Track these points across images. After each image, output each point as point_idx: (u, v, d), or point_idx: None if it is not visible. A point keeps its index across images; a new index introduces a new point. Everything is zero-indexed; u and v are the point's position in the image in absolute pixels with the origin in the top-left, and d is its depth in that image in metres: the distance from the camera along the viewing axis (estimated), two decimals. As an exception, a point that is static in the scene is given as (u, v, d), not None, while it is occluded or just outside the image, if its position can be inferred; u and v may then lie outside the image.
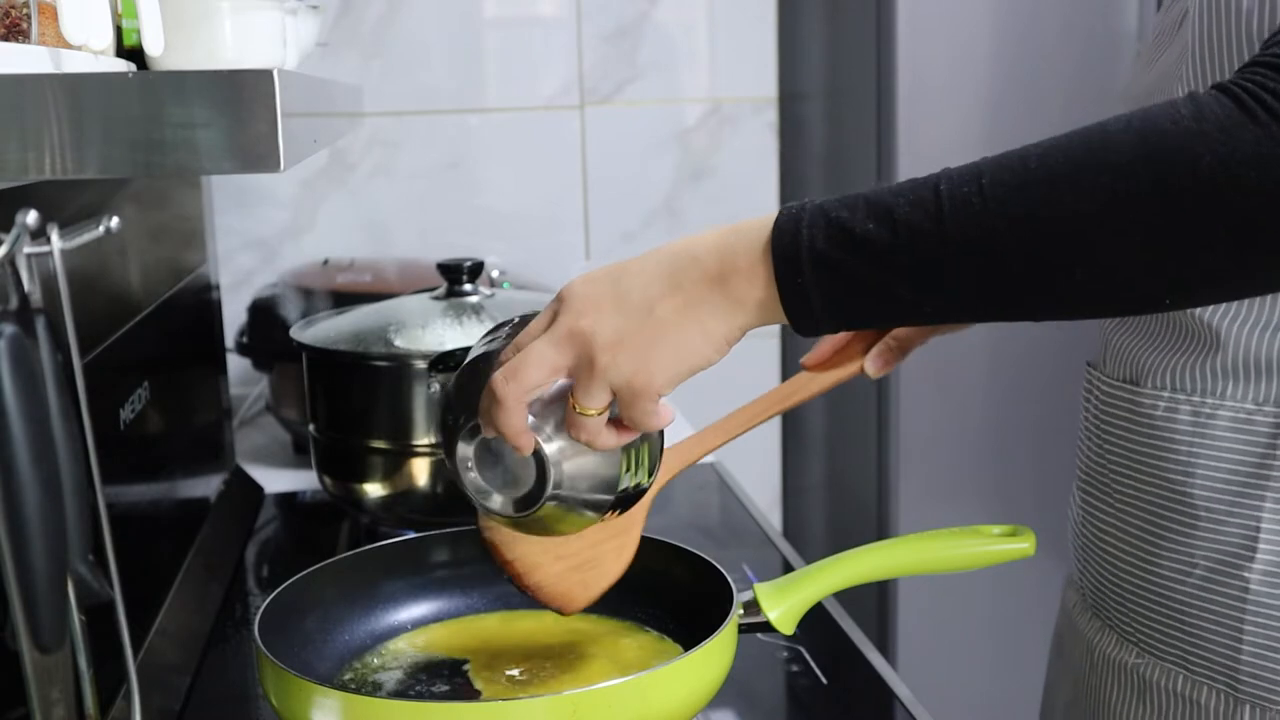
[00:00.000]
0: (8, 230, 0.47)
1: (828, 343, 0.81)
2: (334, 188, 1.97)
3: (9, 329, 0.46)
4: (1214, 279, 0.62)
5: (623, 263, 0.70)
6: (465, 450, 0.76)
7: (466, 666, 0.92)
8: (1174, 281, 0.62)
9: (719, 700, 0.86)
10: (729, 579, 0.90)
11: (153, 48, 0.73)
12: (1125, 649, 0.88)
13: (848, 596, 1.03)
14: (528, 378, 0.69)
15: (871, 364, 0.80)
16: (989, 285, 0.63)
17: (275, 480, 1.54)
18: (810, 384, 0.82)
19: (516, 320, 0.76)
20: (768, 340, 2.09)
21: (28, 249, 0.47)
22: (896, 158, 1.76)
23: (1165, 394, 0.82)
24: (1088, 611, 0.94)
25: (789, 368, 2.13)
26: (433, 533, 1.03)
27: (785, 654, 1.06)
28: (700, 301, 0.68)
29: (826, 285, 0.65)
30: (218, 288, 1.44)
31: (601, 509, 0.75)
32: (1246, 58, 0.70)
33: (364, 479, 1.25)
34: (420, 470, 1.22)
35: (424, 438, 1.21)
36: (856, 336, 0.81)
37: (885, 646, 1.89)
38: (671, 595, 0.96)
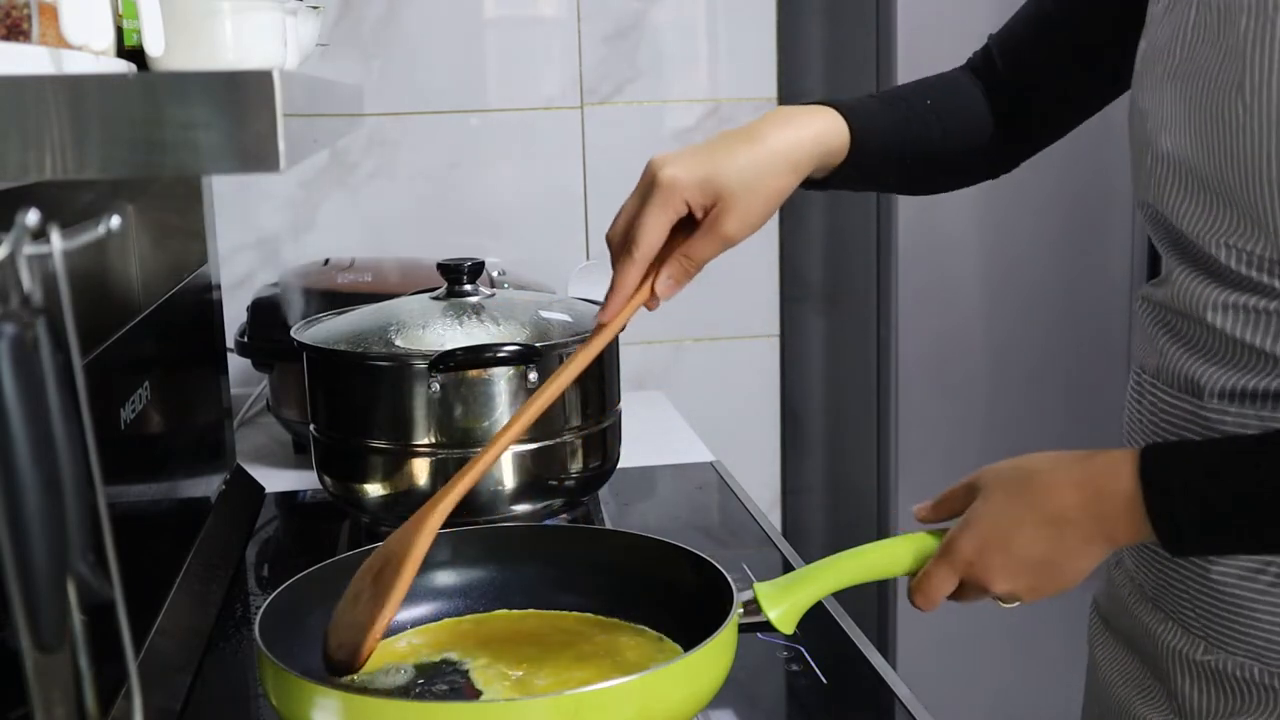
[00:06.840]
0: (8, 230, 0.47)
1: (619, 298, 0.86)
2: (334, 188, 1.97)
3: (9, 329, 0.46)
4: None
5: (1001, 514, 0.83)
6: None
7: (467, 666, 0.92)
8: None
9: (719, 700, 0.86)
10: (729, 579, 0.90)
11: (153, 48, 0.73)
12: (1192, 642, 0.88)
13: (848, 596, 1.03)
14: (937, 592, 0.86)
15: (662, 286, 0.86)
16: None
17: (275, 480, 1.54)
18: (607, 331, 0.87)
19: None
20: (767, 339, 2.09)
21: (28, 249, 0.47)
22: (896, 158, 1.75)
23: (1232, 409, 0.82)
24: (1146, 601, 0.93)
25: (788, 367, 2.13)
26: (433, 533, 1.03)
27: (785, 654, 1.06)
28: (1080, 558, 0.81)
29: (1208, 545, 0.79)
30: (218, 288, 1.44)
31: None
32: None
33: (364, 479, 1.25)
34: (420, 470, 1.22)
35: (424, 438, 1.21)
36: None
37: (885, 646, 1.88)
38: (671, 595, 0.96)
